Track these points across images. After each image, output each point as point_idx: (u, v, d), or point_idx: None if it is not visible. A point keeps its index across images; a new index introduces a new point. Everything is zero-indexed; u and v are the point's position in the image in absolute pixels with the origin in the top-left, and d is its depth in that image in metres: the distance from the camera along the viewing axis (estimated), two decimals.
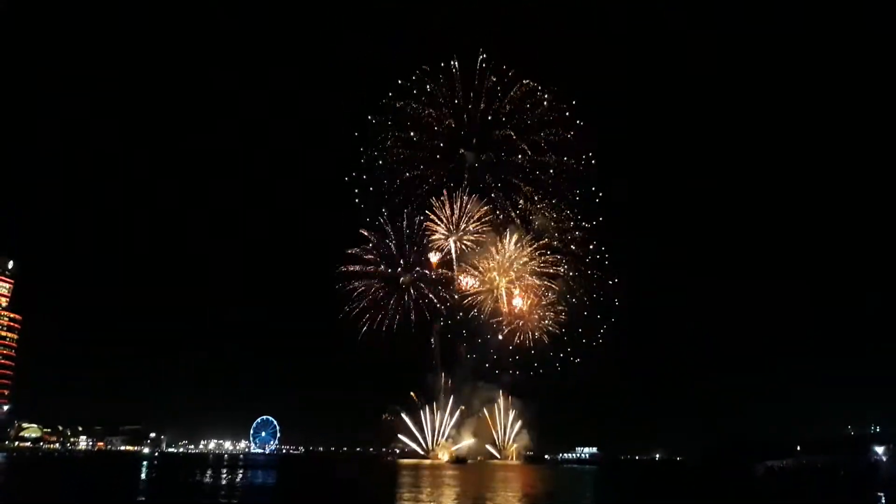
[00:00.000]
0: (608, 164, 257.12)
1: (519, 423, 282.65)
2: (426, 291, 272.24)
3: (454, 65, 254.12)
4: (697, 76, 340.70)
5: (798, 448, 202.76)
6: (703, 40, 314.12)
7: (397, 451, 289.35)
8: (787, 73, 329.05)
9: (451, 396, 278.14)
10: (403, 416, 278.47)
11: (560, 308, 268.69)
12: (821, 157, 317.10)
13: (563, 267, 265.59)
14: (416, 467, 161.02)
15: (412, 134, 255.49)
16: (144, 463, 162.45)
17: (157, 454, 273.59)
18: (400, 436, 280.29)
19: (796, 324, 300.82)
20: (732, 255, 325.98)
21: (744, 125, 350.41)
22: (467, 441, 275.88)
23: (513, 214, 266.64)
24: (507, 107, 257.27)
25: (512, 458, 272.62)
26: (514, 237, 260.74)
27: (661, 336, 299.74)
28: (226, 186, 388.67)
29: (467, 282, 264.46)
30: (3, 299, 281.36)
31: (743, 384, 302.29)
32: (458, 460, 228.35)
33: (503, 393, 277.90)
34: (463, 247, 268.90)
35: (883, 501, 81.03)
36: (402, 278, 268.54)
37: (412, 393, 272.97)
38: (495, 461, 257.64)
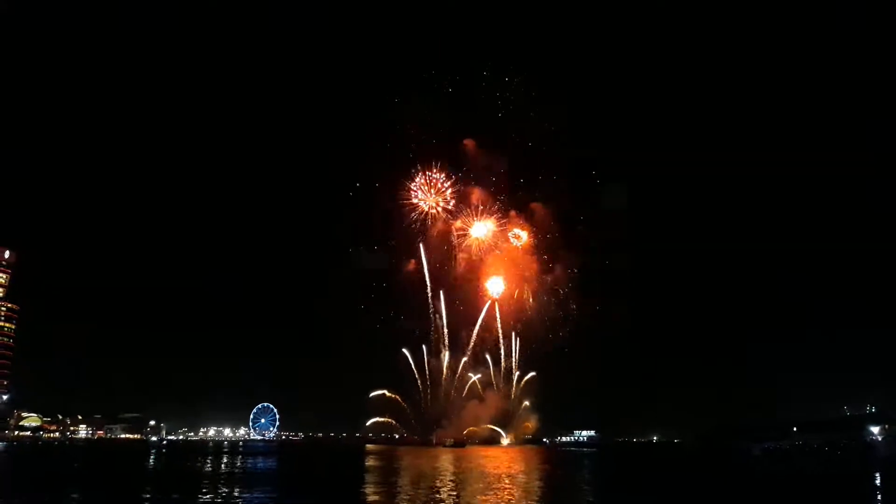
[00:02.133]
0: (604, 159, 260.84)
1: (519, 408, 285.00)
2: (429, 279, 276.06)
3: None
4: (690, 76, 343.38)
5: (794, 429, 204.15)
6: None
7: (396, 437, 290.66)
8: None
9: (452, 381, 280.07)
10: (401, 401, 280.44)
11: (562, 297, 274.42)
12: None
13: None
14: (411, 453, 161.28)
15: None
16: (153, 451, 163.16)
17: (164, 442, 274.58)
18: (395, 421, 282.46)
19: (793, 308, 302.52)
20: (729, 239, 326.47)
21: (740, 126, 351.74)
22: (466, 425, 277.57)
23: (513, 212, 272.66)
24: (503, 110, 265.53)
25: (511, 442, 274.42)
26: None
27: (659, 320, 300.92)
28: (225, 178, 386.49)
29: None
30: (0, 289, 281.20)
31: (740, 367, 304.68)
32: (455, 444, 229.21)
33: (504, 378, 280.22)
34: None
35: (879, 481, 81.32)
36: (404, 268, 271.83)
37: (413, 370, 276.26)
38: (494, 445, 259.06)
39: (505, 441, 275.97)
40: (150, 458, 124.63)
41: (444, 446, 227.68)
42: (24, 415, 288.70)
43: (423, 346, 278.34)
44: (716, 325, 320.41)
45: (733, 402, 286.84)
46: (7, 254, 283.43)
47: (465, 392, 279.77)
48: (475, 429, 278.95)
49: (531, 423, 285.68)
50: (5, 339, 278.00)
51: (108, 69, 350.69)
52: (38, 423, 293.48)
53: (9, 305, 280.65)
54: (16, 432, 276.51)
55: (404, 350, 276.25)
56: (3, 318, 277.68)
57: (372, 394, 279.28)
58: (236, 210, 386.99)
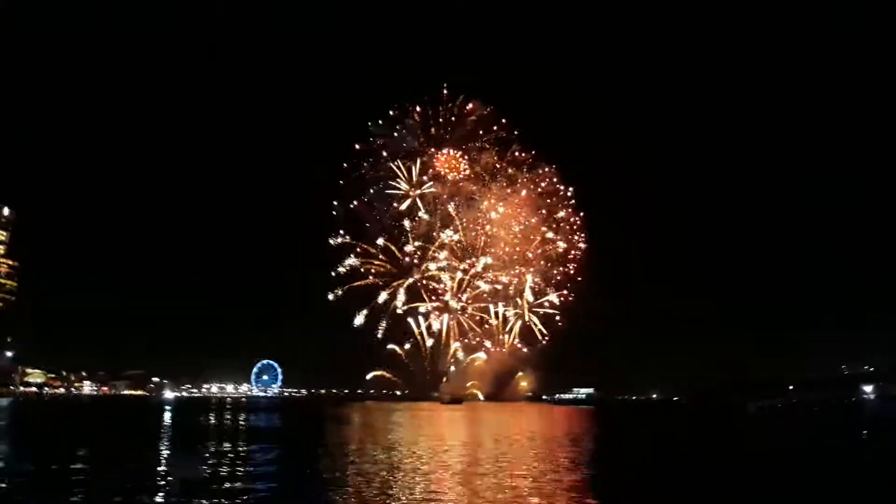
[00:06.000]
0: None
1: (519, 365, 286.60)
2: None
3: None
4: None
5: (791, 387, 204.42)
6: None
7: (398, 393, 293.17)
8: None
9: (452, 338, 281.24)
10: (402, 357, 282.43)
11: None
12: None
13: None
14: (409, 409, 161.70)
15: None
16: (168, 407, 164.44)
17: (175, 399, 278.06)
18: (397, 378, 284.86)
19: (792, 264, 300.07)
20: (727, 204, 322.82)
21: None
22: (466, 382, 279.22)
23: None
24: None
25: (510, 399, 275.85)
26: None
27: (659, 276, 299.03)
28: (229, 142, 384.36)
29: None
30: (1, 247, 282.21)
31: (741, 324, 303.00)
32: (453, 401, 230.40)
33: (505, 335, 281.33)
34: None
35: (865, 438, 79.79)
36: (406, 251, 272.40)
37: (412, 326, 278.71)
38: (492, 402, 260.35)
39: (502, 397, 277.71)
40: (165, 413, 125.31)
41: (442, 403, 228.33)
42: (29, 371, 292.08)
43: (428, 306, 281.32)
44: (722, 282, 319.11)
45: (734, 363, 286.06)
46: (6, 211, 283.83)
47: (468, 351, 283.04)
48: (475, 386, 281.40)
49: (531, 382, 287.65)
50: (7, 296, 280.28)
51: (101, 52, 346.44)
52: (43, 379, 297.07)
53: (9, 262, 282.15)
54: (20, 388, 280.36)
55: (409, 319, 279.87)
56: (3, 276, 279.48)
57: (374, 371, 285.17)
58: (240, 166, 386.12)
